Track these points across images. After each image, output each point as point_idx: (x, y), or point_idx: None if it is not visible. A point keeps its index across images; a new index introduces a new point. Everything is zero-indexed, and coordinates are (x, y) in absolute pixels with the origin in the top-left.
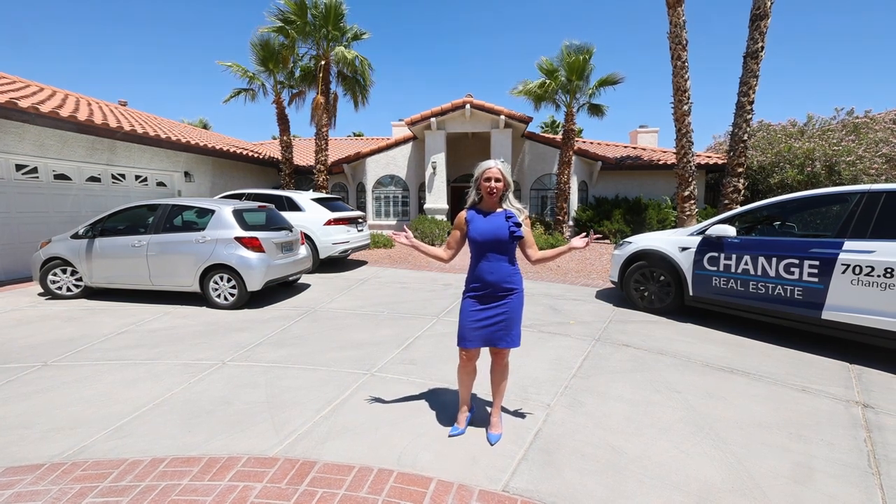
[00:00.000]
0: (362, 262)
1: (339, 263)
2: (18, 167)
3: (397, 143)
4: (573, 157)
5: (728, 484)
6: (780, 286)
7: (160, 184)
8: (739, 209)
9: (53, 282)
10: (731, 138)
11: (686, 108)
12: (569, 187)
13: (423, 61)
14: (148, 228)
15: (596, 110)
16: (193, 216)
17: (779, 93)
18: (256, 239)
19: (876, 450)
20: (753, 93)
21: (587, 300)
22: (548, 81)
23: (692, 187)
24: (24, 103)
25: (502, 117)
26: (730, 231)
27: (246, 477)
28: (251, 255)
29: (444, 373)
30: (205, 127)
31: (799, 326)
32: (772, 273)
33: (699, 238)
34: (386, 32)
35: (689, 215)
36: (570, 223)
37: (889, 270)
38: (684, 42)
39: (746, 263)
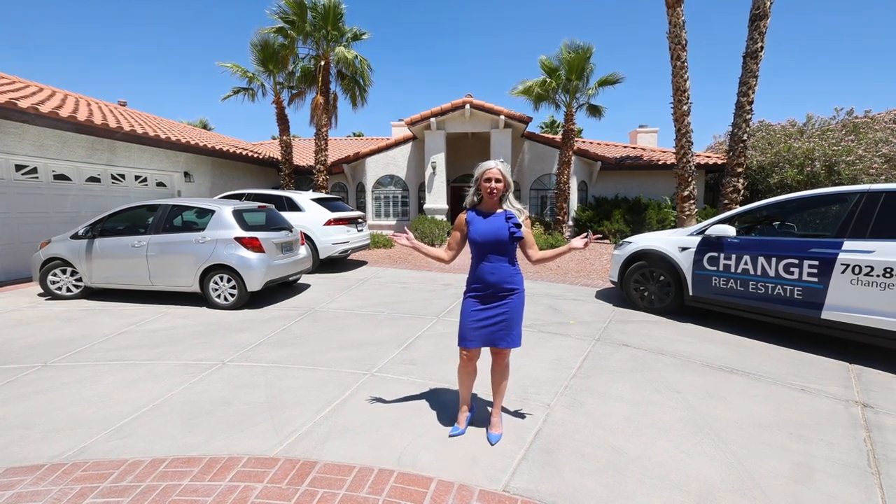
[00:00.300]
0: (362, 262)
1: (339, 263)
2: (18, 167)
3: (397, 144)
4: (573, 157)
5: (728, 484)
6: (779, 286)
7: (160, 184)
8: (739, 209)
9: (53, 282)
10: (730, 138)
11: (686, 108)
12: (568, 187)
13: (423, 61)
14: (148, 229)
15: (595, 111)
16: (193, 216)
17: (779, 93)
18: (256, 239)
19: (875, 449)
20: (753, 93)
21: (587, 300)
22: (549, 80)
23: (692, 187)
24: (23, 103)
25: (502, 117)
26: (729, 231)
27: (246, 477)
28: (251, 256)
29: (445, 373)
30: (205, 127)
31: (799, 326)
32: (771, 273)
33: (699, 238)
34: (386, 32)
35: (689, 215)
36: (570, 223)
37: (888, 270)
38: (684, 42)
39: (746, 263)
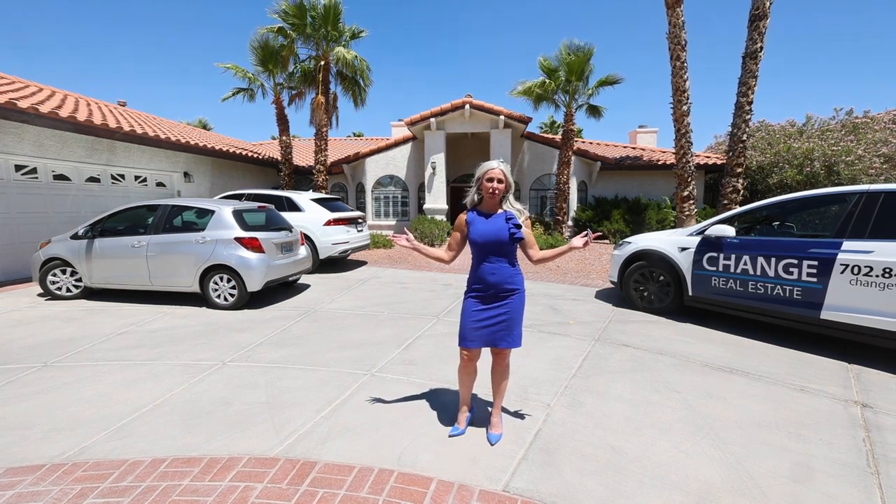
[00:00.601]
0: (362, 263)
1: (338, 263)
2: (18, 167)
3: (397, 144)
4: (572, 158)
5: (728, 484)
6: (779, 286)
7: (159, 184)
8: (739, 209)
9: (53, 282)
10: (730, 138)
11: (685, 108)
12: (568, 187)
13: (423, 61)
14: (148, 229)
15: (594, 111)
16: (193, 217)
17: (778, 93)
18: (256, 239)
19: (875, 449)
20: (752, 93)
21: (587, 300)
22: (548, 81)
23: (691, 187)
24: (23, 103)
25: (502, 117)
26: (729, 231)
27: (247, 477)
28: (251, 256)
29: (445, 373)
30: (204, 127)
31: (798, 326)
32: (771, 273)
33: (698, 238)
34: (386, 32)
35: (689, 215)
36: (570, 223)
37: (887, 270)
38: (683, 42)
39: (745, 263)
